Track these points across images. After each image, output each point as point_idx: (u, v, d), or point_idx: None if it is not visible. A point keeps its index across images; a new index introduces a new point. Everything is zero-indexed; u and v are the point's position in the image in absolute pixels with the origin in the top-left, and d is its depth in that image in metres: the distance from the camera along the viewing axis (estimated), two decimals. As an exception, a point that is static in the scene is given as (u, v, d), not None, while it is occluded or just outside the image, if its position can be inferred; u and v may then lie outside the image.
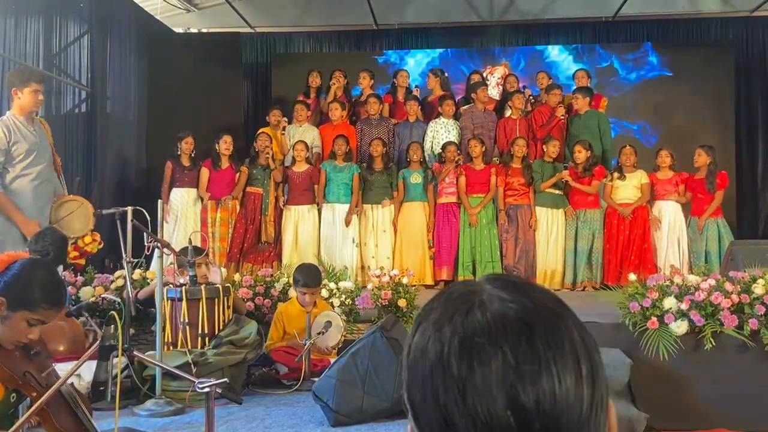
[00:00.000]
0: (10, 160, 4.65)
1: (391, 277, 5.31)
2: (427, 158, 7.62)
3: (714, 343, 4.46)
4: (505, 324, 0.71)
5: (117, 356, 3.32)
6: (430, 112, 8.23)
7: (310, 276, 4.84)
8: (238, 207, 7.39)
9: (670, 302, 4.57)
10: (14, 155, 4.65)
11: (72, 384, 2.49)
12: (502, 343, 0.70)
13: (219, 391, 2.65)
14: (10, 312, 2.23)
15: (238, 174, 7.41)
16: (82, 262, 5.27)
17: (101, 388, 3.83)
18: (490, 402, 0.68)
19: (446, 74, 8.85)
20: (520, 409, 0.68)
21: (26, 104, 4.69)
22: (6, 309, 2.22)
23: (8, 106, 6.11)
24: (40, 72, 4.94)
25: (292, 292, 5.14)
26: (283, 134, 7.89)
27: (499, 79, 9.03)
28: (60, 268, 4.41)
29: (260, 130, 7.81)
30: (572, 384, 0.69)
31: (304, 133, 7.82)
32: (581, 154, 7.18)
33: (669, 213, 7.12)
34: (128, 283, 4.06)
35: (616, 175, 7.25)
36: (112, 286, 5.23)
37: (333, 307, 5.04)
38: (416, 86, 8.93)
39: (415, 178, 7.32)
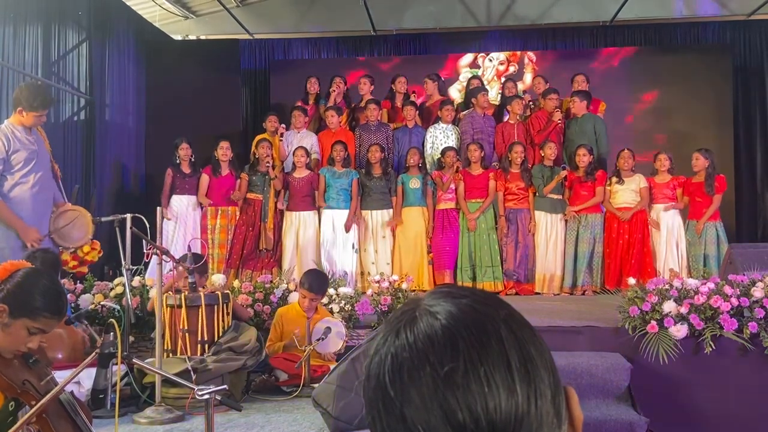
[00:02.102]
0: (9, 168, 4.66)
1: (390, 283, 5.32)
2: (427, 163, 7.63)
3: (714, 347, 4.46)
4: (431, 336, 0.72)
5: (116, 364, 3.32)
6: (428, 117, 8.25)
7: (315, 281, 4.85)
8: (238, 213, 7.40)
9: (669, 306, 4.57)
10: (13, 163, 4.67)
11: (71, 392, 2.49)
12: (429, 356, 0.70)
13: (218, 398, 2.65)
14: (11, 319, 2.23)
15: (238, 180, 7.42)
16: (85, 270, 5.27)
17: (101, 396, 3.81)
18: (428, 418, 0.69)
19: (443, 79, 8.87)
20: (457, 423, 0.68)
21: (27, 123, 4.74)
22: (7, 316, 2.23)
23: (6, 113, 6.13)
24: (49, 99, 4.96)
25: (292, 298, 5.15)
26: (281, 140, 7.90)
27: (499, 63, 8.89)
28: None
29: (259, 137, 7.81)
30: (502, 379, 0.69)
31: (302, 139, 7.83)
32: (585, 158, 7.18)
33: (667, 217, 7.12)
34: (127, 290, 4.06)
35: (614, 179, 7.25)
36: (112, 294, 5.23)
37: (332, 313, 5.04)
38: (413, 91, 8.96)
39: (414, 183, 7.33)
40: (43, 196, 4.84)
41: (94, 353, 2.61)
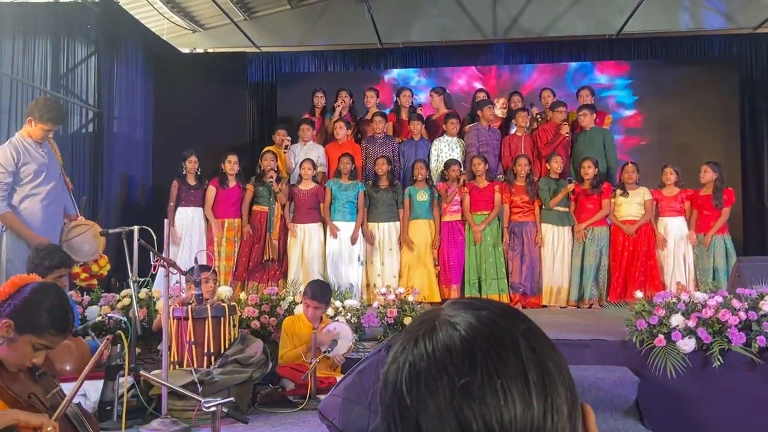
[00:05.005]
0: (18, 181, 4.69)
1: (396, 295, 5.31)
2: (432, 176, 7.63)
3: (722, 361, 4.44)
4: (450, 347, 0.72)
5: (123, 376, 3.32)
6: (434, 130, 8.26)
7: (319, 290, 4.89)
8: (247, 225, 7.39)
9: (677, 319, 4.56)
10: (23, 176, 4.70)
11: (78, 404, 2.49)
12: (447, 366, 0.71)
13: (225, 410, 2.65)
14: (16, 335, 2.23)
15: (244, 192, 7.43)
16: (95, 282, 5.30)
17: (108, 408, 3.83)
18: (443, 428, 0.69)
19: (448, 92, 8.89)
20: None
21: (34, 135, 4.78)
22: (13, 331, 2.23)
23: (15, 125, 6.18)
24: (62, 116, 5.00)
25: (298, 310, 5.14)
26: (287, 153, 7.92)
27: (502, 106, 8.90)
28: (66, 286, 4.42)
29: (266, 149, 7.84)
30: (519, 393, 0.69)
31: (308, 151, 7.85)
32: (590, 170, 7.18)
33: (675, 230, 7.10)
34: (134, 302, 4.07)
35: (618, 192, 7.24)
36: (119, 305, 5.24)
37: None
38: (420, 105, 8.97)
39: (421, 195, 7.33)
40: (54, 209, 4.87)
41: (93, 361, 2.61)
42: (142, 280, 4.68)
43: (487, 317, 0.75)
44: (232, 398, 3.05)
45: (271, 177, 7.27)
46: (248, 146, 9.82)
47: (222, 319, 4.44)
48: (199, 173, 7.50)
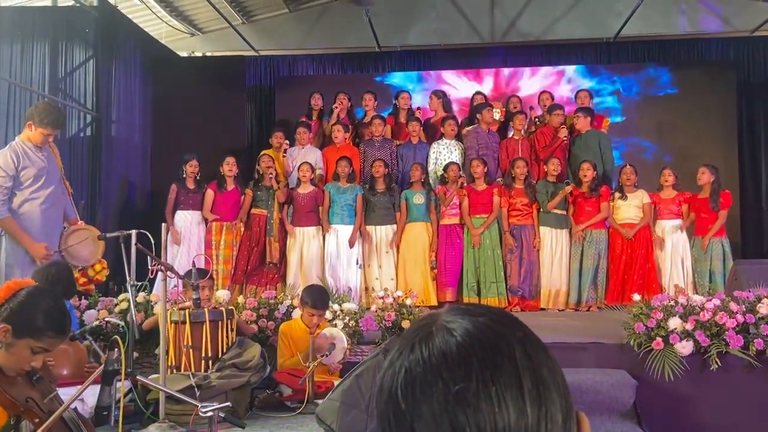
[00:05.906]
0: (18, 185, 4.70)
1: (394, 299, 5.31)
2: (430, 179, 7.64)
3: (719, 364, 4.44)
4: (446, 353, 0.73)
5: (120, 380, 3.31)
6: (432, 133, 8.26)
7: (319, 298, 4.86)
8: (242, 229, 7.39)
9: (674, 322, 4.56)
10: (22, 180, 4.71)
11: (75, 409, 2.49)
12: (442, 372, 0.71)
13: (222, 414, 2.65)
14: (14, 339, 2.23)
15: (243, 196, 7.42)
16: (92, 287, 5.29)
17: (105, 413, 3.81)
18: None
19: (448, 95, 8.90)
20: None
21: (34, 139, 4.79)
22: (11, 336, 2.23)
23: (13, 130, 6.18)
24: (62, 120, 5.01)
25: (296, 314, 5.14)
26: (284, 156, 7.91)
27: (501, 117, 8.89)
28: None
29: (263, 152, 7.84)
30: (513, 400, 0.70)
31: (306, 154, 7.85)
32: (589, 173, 7.18)
33: (672, 233, 7.10)
34: (132, 306, 4.06)
35: (617, 195, 7.25)
36: (116, 310, 5.23)
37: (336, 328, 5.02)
38: (418, 108, 8.98)
39: (418, 198, 7.32)
40: (53, 213, 4.87)
41: (98, 370, 2.61)
42: (140, 284, 4.67)
43: (484, 324, 0.75)
44: (229, 403, 3.05)
45: (271, 174, 7.28)
46: (246, 150, 9.82)
47: (220, 323, 4.44)
48: (198, 177, 7.49)
